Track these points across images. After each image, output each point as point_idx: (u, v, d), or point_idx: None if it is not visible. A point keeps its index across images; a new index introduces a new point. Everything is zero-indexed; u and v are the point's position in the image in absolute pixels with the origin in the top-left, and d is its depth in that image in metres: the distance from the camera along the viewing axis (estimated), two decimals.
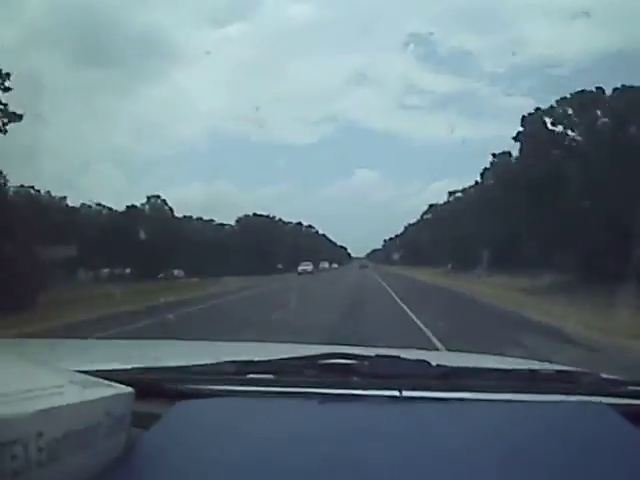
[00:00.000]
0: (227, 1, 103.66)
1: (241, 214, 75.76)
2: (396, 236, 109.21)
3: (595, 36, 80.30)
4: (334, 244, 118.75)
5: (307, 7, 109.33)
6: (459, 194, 59.85)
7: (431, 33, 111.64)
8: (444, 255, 57.17)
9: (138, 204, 54.12)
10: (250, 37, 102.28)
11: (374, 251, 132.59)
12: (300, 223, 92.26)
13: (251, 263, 56.53)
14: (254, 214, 76.70)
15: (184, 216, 60.46)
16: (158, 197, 57.38)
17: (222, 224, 74.67)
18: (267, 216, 78.33)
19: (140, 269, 46.36)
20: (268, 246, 67.21)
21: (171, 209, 57.44)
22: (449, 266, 55.45)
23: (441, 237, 57.36)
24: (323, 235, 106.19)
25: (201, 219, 69.37)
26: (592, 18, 75.89)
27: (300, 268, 63.27)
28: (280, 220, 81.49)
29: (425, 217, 79.63)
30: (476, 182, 49.23)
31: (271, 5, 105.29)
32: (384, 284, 37.33)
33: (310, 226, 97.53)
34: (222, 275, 45.14)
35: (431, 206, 76.07)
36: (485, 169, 46.76)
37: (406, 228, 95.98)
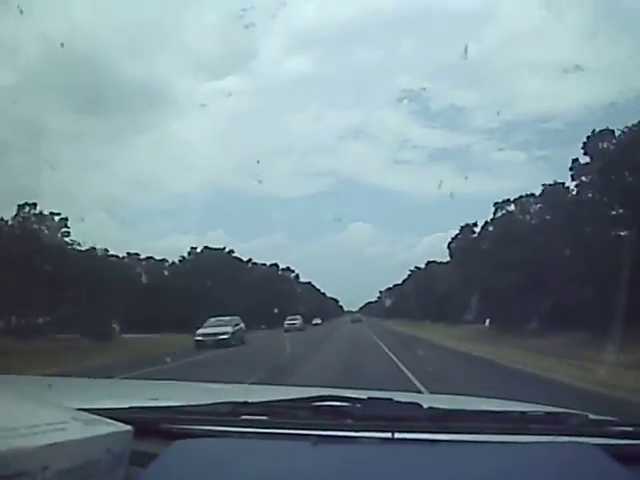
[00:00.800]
0: (223, 56, 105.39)
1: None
2: (395, 285, 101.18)
3: (587, 89, 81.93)
4: (323, 295, 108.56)
5: (302, 62, 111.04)
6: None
7: (423, 89, 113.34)
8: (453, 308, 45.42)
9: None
10: (246, 91, 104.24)
11: (368, 304, 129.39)
12: (276, 265, 74.02)
13: (200, 314, 34.34)
14: (205, 247, 57.45)
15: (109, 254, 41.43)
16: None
17: (163, 259, 55.67)
18: (223, 249, 58.11)
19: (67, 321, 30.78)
20: (227, 293, 47.57)
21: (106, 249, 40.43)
22: (486, 322, 37.67)
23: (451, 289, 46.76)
24: (308, 283, 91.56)
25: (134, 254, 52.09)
26: (584, 72, 77.09)
27: (286, 323, 50.43)
28: (249, 260, 63.43)
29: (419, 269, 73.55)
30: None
31: (267, 60, 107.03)
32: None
33: (289, 269, 79.48)
34: (166, 330, 33.73)
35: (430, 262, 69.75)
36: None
37: (410, 275, 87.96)
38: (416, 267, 78.24)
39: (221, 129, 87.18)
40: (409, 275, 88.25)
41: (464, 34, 76.09)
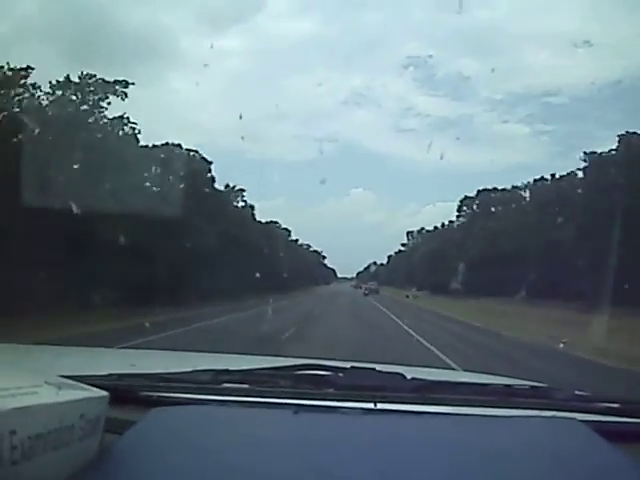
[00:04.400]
0: (225, 14, 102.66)
1: None
2: (393, 254, 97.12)
3: (595, 65, 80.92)
4: (318, 255, 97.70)
5: (307, 24, 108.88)
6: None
7: (430, 56, 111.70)
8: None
9: None
10: (249, 52, 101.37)
11: (363, 270, 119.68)
12: (275, 222, 60.73)
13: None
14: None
15: None
16: None
17: None
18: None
19: None
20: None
21: None
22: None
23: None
24: (296, 241, 76.35)
25: None
26: (593, 47, 76.30)
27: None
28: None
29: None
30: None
31: (271, 19, 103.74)
32: None
33: (275, 222, 62.86)
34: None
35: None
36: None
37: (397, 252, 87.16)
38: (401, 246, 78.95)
39: (221, 89, 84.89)
40: (397, 252, 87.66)
41: (474, 1, 74.67)
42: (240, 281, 34.52)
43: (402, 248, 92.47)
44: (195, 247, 26.56)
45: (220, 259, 31.29)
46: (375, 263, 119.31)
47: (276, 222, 65.78)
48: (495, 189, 51.80)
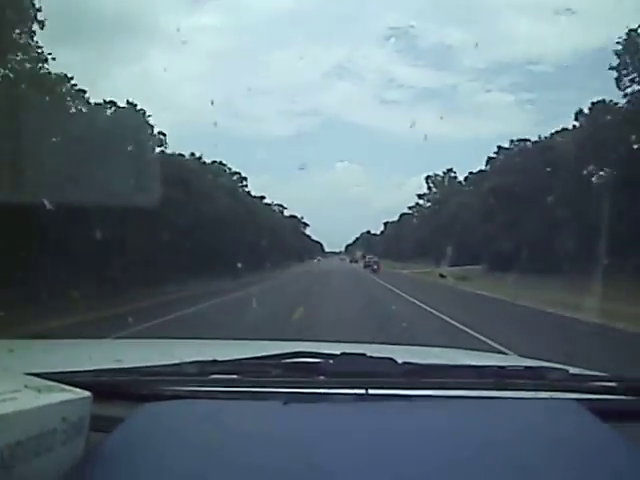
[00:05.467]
0: None
1: None
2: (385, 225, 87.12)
3: (577, 33, 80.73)
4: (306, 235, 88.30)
5: None
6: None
7: (412, 26, 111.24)
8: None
9: None
10: (228, 26, 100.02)
11: (349, 245, 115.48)
12: (262, 197, 55.06)
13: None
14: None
15: None
16: None
17: None
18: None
19: None
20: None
21: None
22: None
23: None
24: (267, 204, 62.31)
25: None
26: (576, 14, 76.24)
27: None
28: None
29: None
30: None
31: None
32: None
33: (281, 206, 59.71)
34: None
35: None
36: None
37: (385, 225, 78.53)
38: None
39: (202, 66, 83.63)
40: (403, 214, 75.47)
41: None
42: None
43: (408, 211, 77.79)
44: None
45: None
46: (369, 232, 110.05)
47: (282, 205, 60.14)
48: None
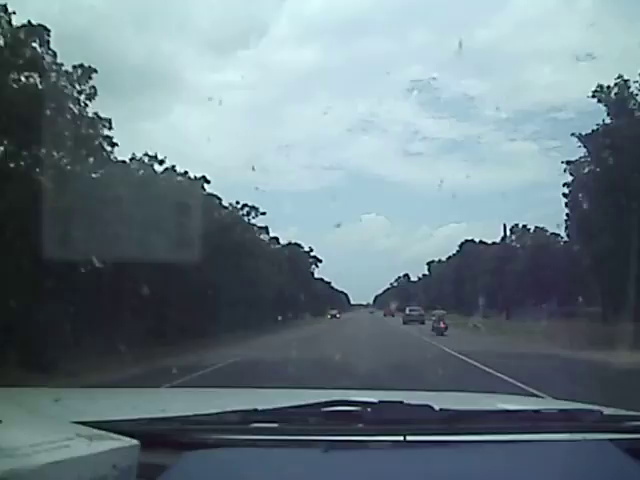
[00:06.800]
0: (229, 43, 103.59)
1: None
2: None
3: (599, 77, 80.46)
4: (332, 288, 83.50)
5: (310, 52, 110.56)
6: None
7: (434, 78, 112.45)
8: None
9: None
10: (254, 84, 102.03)
11: (377, 297, 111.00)
12: (298, 244, 52.83)
13: None
14: None
15: None
16: None
17: None
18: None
19: None
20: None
21: None
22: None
23: None
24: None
25: None
26: (596, 59, 75.86)
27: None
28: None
29: None
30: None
31: (276, 50, 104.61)
32: None
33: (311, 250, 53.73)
34: None
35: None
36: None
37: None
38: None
39: (227, 122, 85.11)
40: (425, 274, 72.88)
41: (475, 22, 74.86)
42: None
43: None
44: None
45: None
46: (407, 276, 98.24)
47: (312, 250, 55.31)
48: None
